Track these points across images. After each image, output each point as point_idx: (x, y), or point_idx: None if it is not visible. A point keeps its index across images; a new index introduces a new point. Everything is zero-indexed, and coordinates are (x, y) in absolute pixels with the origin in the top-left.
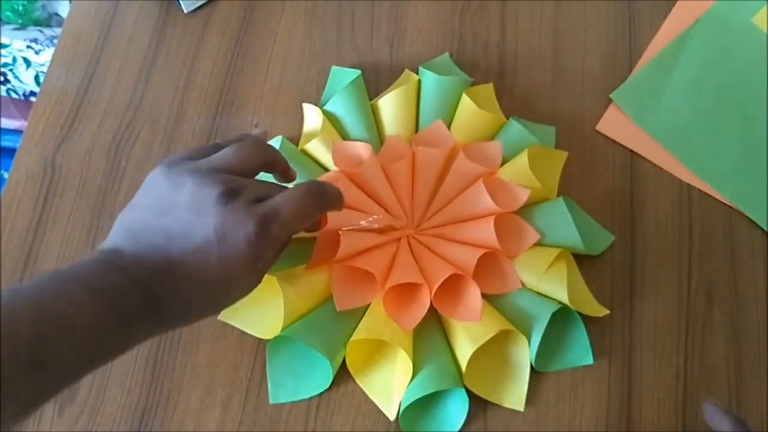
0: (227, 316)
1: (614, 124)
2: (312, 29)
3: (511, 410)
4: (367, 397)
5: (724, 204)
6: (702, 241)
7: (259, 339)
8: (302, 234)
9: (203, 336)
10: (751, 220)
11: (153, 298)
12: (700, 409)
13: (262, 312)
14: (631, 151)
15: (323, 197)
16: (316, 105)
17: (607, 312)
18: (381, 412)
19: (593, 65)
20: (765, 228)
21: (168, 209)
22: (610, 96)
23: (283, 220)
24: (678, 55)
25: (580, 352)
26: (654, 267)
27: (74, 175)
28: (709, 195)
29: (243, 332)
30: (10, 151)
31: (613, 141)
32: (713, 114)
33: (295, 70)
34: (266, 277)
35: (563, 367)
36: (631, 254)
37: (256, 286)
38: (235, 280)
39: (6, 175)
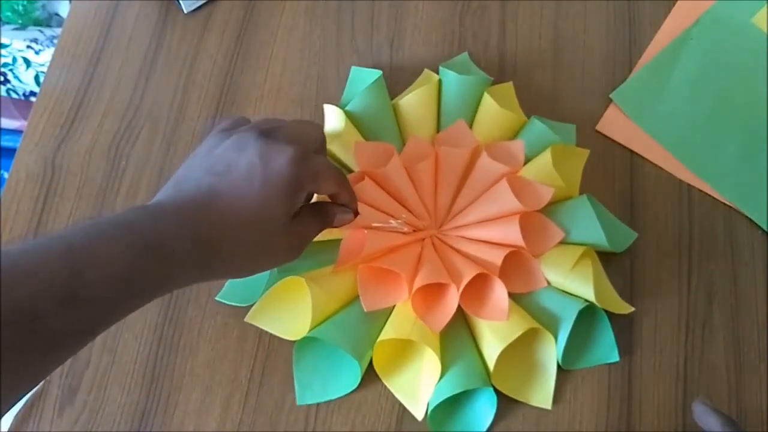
0: (253, 317)
1: (614, 124)
2: (312, 29)
3: (511, 411)
4: (367, 397)
5: (724, 204)
6: (702, 241)
7: (259, 339)
8: (328, 236)
9: (203, 336)
10: (751, 220)
11: (194, 233)
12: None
13: (288, 314)
14: (631, 151)
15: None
16: (317, 104)
17: (632, 309)
18: (381, 412)
19: (593, 65)
20: (765, 228)
21: (211, 157)
22: (610, 96)
23: (319, 158)
24: (678, 55)
25: (605, 349)
26: (654, 267)
27: (74, 175)
28: (709, 195)
29: (243, 332)
30: (10, 151)
31: (613, 141)
32: (713, 114)
33: (295, 70)
34: (293, 278)
35: (589, 365)
36: (631, 254)
37: (293, 251)
38: (275, 209)
39: (6, 175)
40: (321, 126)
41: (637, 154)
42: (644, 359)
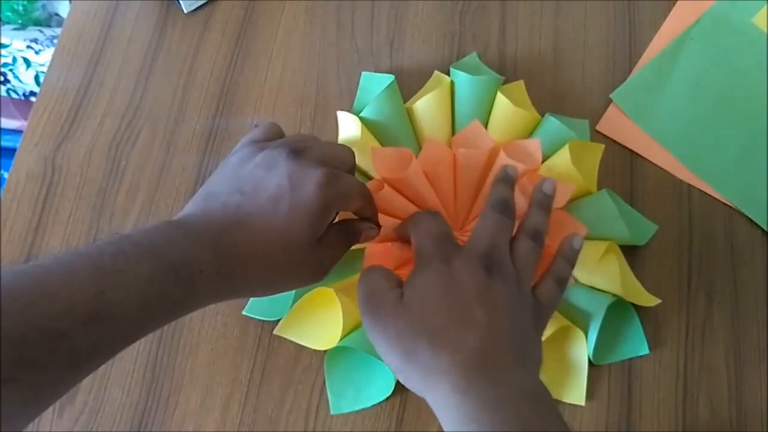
0: (282, 330)
1: (614, 124)
2: (312, 29)
3: None
4: None
5: (724, 204)
6: (702, 241)
7: (259, 339)
8: (354, 246)
9: (203, 336)
10: (751, 220)
11: (219, 254)
12: (701, 409)
13: (318, 325)
14: (631, 151)
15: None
16: (317, 104)
17: (659, 301)
18: (381, 412)
19: (593, 65)
20: (765, 228)
21: (240, 174)
22: (610, 96)
23: (348, 177)
24: (678, 55)
25: (635, 343)
26: (654, 267)
27: (74, 175)
28: (709, 195)
29: (243, 332)
30: (10, 151)
31: (613, 141)
32: (713, 114)
33: (295, 70)
34: (321, 289)
35: (620, 359)
36: (631, 254)
37: (320, 273)
38: (301, 234)
39: (6, 175)
40: (352, 150)
41: (637, 154)
42: (644, 359)
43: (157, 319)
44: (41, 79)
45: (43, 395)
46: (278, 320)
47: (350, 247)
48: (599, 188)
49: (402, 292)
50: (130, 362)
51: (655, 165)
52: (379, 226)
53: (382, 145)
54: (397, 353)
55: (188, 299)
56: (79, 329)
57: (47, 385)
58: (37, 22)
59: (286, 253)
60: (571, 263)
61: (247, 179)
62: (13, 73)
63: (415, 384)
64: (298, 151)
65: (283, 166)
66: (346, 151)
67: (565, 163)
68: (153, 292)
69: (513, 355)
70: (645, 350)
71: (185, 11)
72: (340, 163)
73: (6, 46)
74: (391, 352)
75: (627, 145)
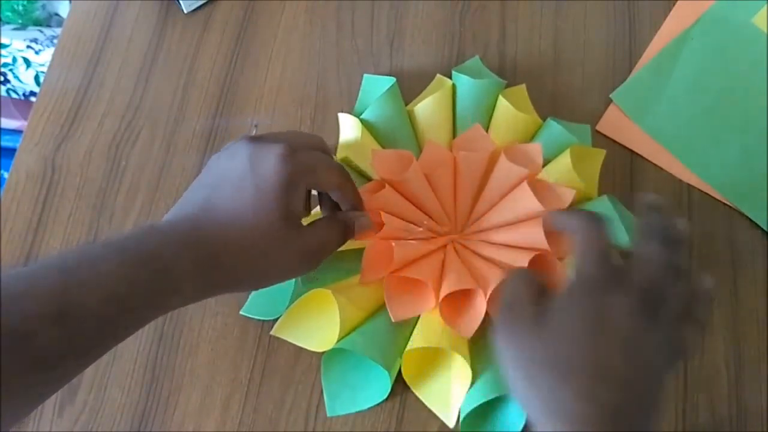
0: (279, 330)
1: (614, 124)
2: (312, 29)
3: None
4: None
5: (724, 204)
6: (702, 241)
7: (259, 339)
8: (350, 245)
9: (203, 336)
10: (751, 220)
11: (194, 248)
12: (700, 409)
13: (315, 326)
14: (631, 151)
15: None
16: (317, 104)
17: None
18: (381, 412)
19: (593, 65)
20: (765, 228)
21: (210, 172)
22: (610, 96)
23: (311, 150)
24: (678, 55)
25: None
26: None
27: (74, 175)
28: (709, 195)
29: (243, 332)
30: (10, 151)
31: (613, 141)
32: (713, 114)
33: (295, 70)
34: (319, 290)
35: None
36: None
37: (308, 261)
38: (271, 212)
39: (6, 175)
40: (321, 138)
41: (637, 154)
42: None
43: (131, 316)
44: (41, 79)
45: (21, 400)
46: (277, 319)
47: (343, 237)
48: (600, 189)
49: (543, 309)
50: (130, 362)
51: (655, 165)
52: (362, 206)
53: (383, 147)
54: (521, 375)
55: (163, 293)
56: (48, 328)
57: (22, 389)
58: (37, 22)
59: (261, 238)
60: (708, 305)
61: (213, 174)
62: (13, 73)
63: (530, 411)
64: (259, 136)
65: (243, 150)
66: (313, 135)
67: (565, 168)
68: (122, 287)
69: (647, 416)
70: None
71: (185, 11)
72: (304, 144)
73: (6, 46)
74: (516, 371)
75: (627, 145)
